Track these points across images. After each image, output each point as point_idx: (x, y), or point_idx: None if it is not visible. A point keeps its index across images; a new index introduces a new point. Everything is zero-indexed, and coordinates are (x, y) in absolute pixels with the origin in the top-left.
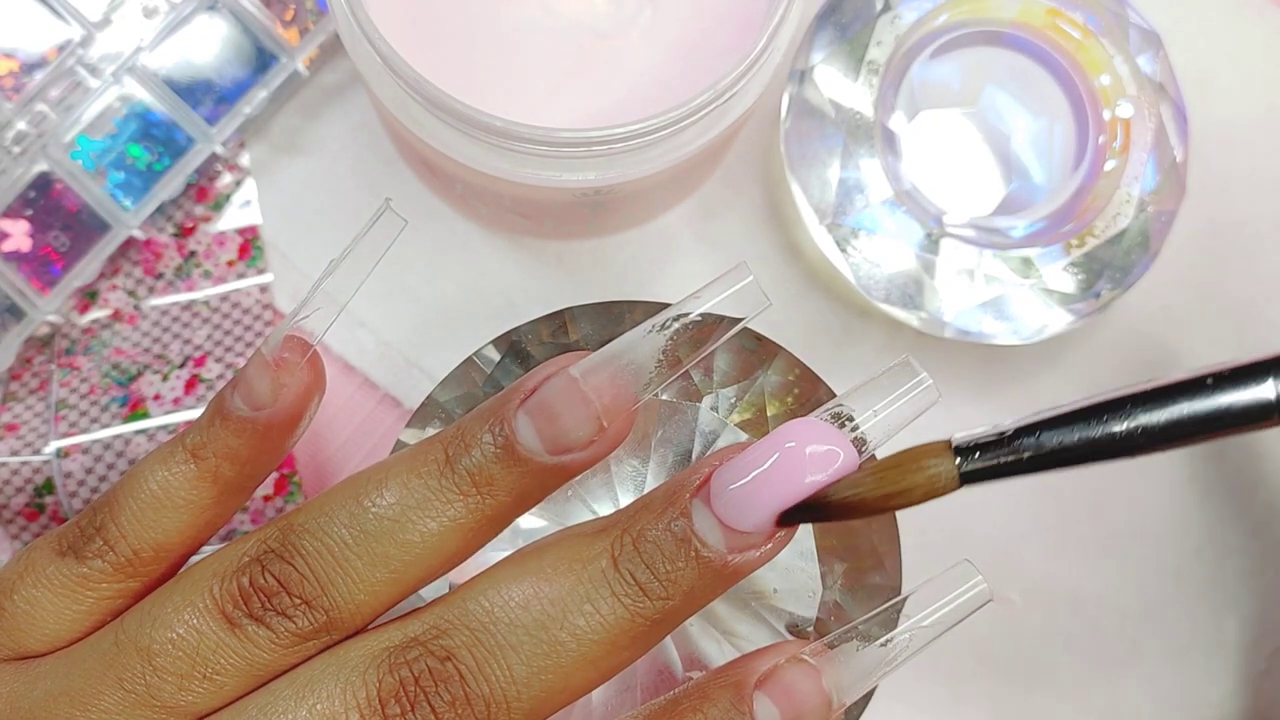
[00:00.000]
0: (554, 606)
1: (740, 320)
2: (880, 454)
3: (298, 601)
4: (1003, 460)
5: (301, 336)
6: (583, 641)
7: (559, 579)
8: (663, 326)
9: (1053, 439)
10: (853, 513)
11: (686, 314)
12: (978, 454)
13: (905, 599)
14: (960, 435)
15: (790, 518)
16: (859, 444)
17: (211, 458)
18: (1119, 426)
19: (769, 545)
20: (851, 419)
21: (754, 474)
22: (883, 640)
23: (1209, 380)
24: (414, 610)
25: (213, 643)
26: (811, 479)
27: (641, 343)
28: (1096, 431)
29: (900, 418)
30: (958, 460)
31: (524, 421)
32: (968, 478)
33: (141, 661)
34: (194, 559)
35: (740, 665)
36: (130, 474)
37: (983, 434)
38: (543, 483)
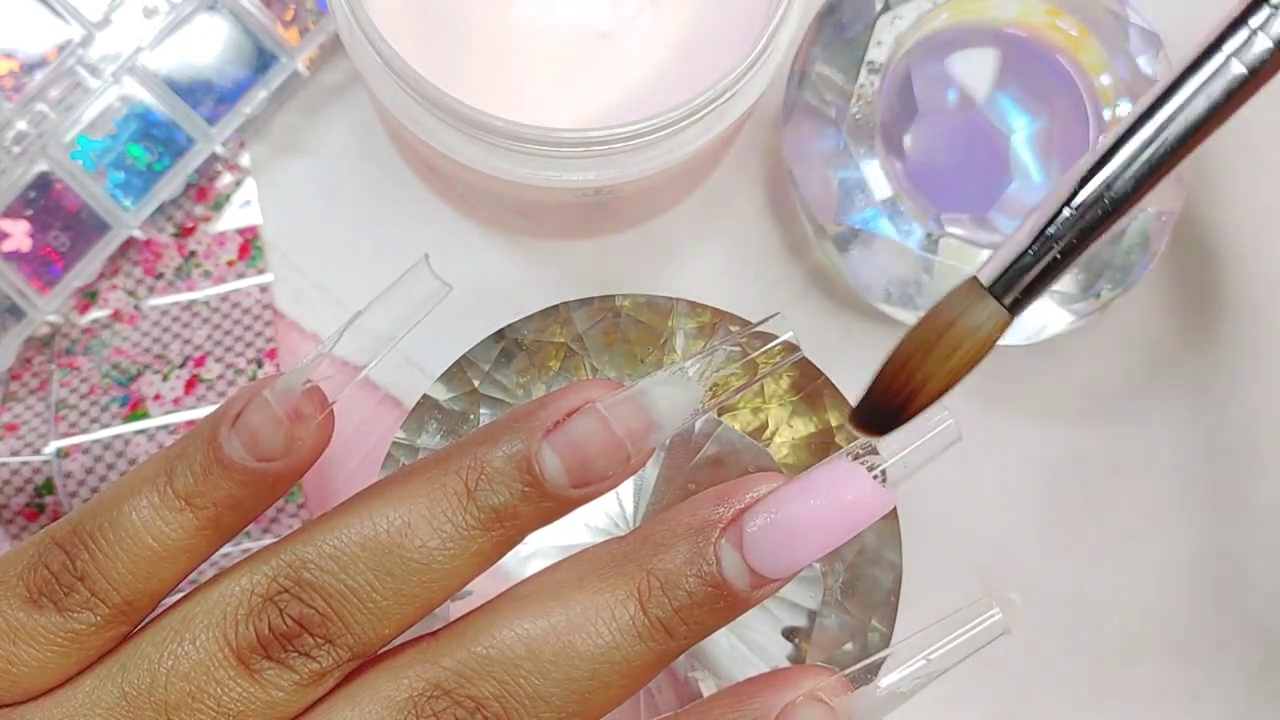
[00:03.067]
0: (581, 659)
1: (773, 369)
2: (899, 492)
3: (320, 641)
4: (1042, 268)
5: (321, 389)
6: (610, 686)
7: (586, 626)
8: (692, 369)
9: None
10: (913, 386)
11: (723, 362)
12: (1011, 280)
13: (924, 634)
14: (983, 273)
15: (870, 423)
16: (880, 481)
17: (211, 507)
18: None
19: (782, 582)
20: (876, 464)
21: (787, 523)
22: (899, 679)
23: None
24: (433, 643)
25: (234, 693)
26: (844, 533)
27: (673, 385)
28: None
29: (923, 455)
30: (995, 293)
31: (551, 458)
32: (1016, 308)
33: (159, 717)
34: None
35: (756, 697)
36: (109, 513)
37: (1003, 264)
38: (564, 510)
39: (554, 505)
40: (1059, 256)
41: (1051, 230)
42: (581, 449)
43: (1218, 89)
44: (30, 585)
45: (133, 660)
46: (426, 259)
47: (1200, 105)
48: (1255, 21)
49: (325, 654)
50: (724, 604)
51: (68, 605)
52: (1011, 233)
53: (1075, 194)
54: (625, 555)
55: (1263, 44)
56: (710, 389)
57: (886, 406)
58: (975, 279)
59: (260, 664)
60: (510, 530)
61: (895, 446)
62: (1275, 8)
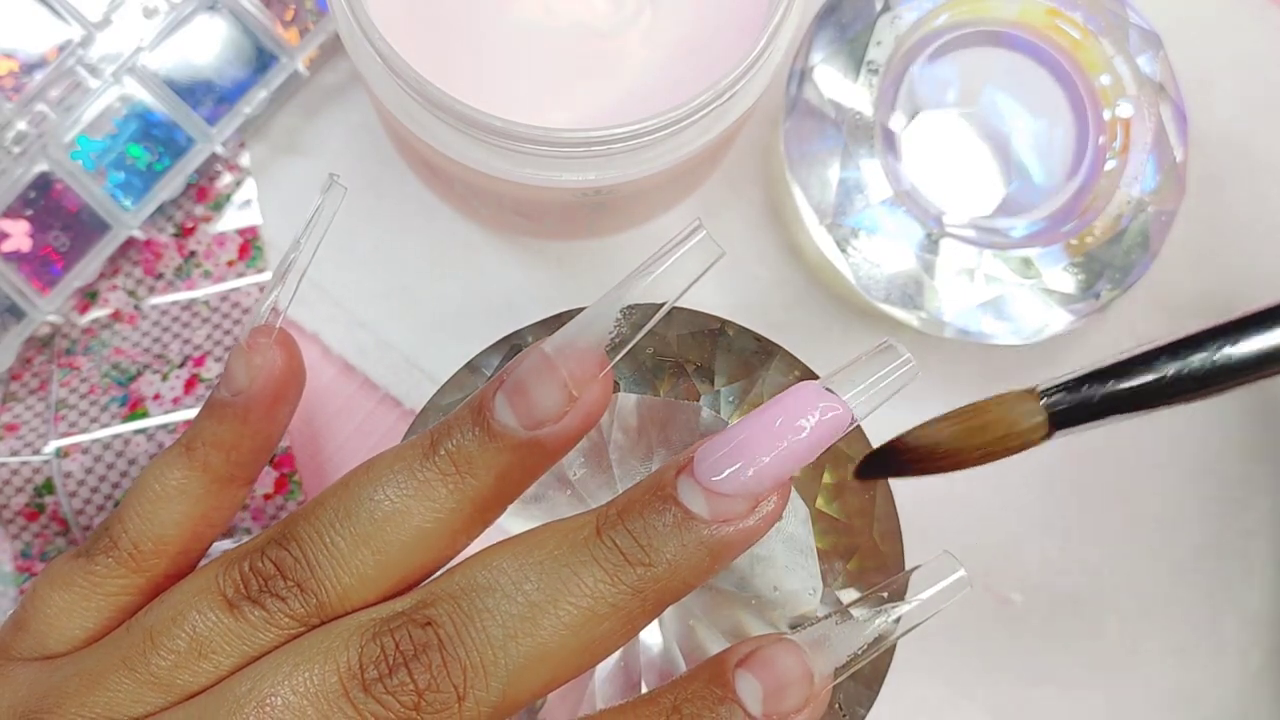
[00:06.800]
0: (531, 570)
1: (696, 276)
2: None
3: (291, 585)
4: (1091, 402)
5: (269, 323)
6: (559, 604)
7: (541, 549)
8: (624, 294)
9: (1135, 379)
10: (933, 463)
11: (642, 277)
12: (1064, 400)
13: (893, 581)
14: (1044, 385)
15: (867, 470)
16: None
17: (200, 447)
18: (1198, 362)
19: (751, 520)
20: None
21: (734, 439)
22: (862, 617)
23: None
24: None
25: (211, 622)
26: (793, 437)
27: (602, 311)
28: (1176, 369)
29: (882, 394)
30: (1044, 405)
31: (500, 400)
32: (1059, 422)
33: (144, 641)
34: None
35: (721, 653)
36: (138, 476)
37: (1065, 380)
38: (522, 460)
39: (507, 448)
40: (1113, 398)
41: (1134, 385)
42: (523, 384)
43: None
44: (82, 546)
45: (149, 605)
46: (334, 177)
47: None
48: None
49: (295, 598)
50: (684, 529)
51: (93, 551)
52: (1090, 365)
53: (1175, 354)
54: (597, 508)
55: None
56: (631, 305)
57: (895, 466)
58: (1034, 391)
59: (239, 600)
60: (470, 479)
61: (854, 385)
62: None
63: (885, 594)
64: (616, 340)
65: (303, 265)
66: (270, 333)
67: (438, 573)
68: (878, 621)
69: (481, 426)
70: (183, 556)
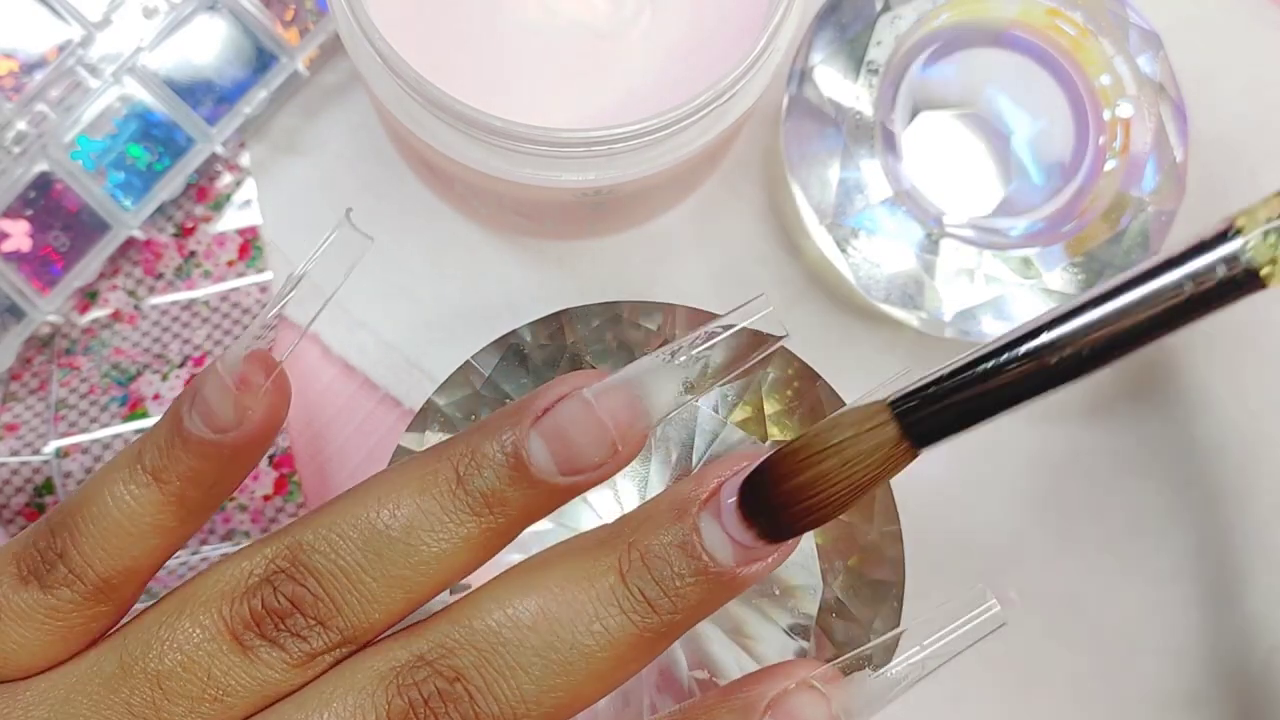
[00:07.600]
0: (561, 626)
1: (759, 354)
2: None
3: (312, 622)
4: (950, 409)
5: (265, 353)
6: (591, 659)
7: (565, 596)
8: (677, 355)
9: (1001, 372)
10: (800, 478)
11: (707, 345)
12: (917, 410)
13: (920, 624)
14: (892, 393)
15: (752, 511)
16: None
17: (175, 481)
18: (1054, 351)
19: (775, 555)
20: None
21: None
22: (894, 667)
23: (1132, 280)
24: (420, 624)
25: (224, 665)
26: None
27: (659, 371)
28: (1039, 353)
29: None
30: (901, 420)
31: (538, 444)
32: (922, 441)
33: (150, 686)
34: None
35: (749, 687)
36: (88, 492)
37: (913, 386)
38: (554, 500)
39: (543, 492)
40: (977, 404)
41: (981, 370)
42: (566, 434)
43: (1162, 303)
44: (22, 565)
45: (134, 633)
46: (348, 214)
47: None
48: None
49: (317, 635)
50: (708, 578)
51: (49, 582)
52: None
53: (1017, 344)
54: (610, 533)
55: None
56: (696, 373)
57: (775, 508)
58: (885, 402)
59: (253, 641)
60: (501, 518)
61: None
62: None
63: (922, 646)
64: (669, 408)
65: (326, 294)
66: (270, 370)
67: (448, 594)
68: (909, 676)
69: (518, 470)
70: (150, 576)
